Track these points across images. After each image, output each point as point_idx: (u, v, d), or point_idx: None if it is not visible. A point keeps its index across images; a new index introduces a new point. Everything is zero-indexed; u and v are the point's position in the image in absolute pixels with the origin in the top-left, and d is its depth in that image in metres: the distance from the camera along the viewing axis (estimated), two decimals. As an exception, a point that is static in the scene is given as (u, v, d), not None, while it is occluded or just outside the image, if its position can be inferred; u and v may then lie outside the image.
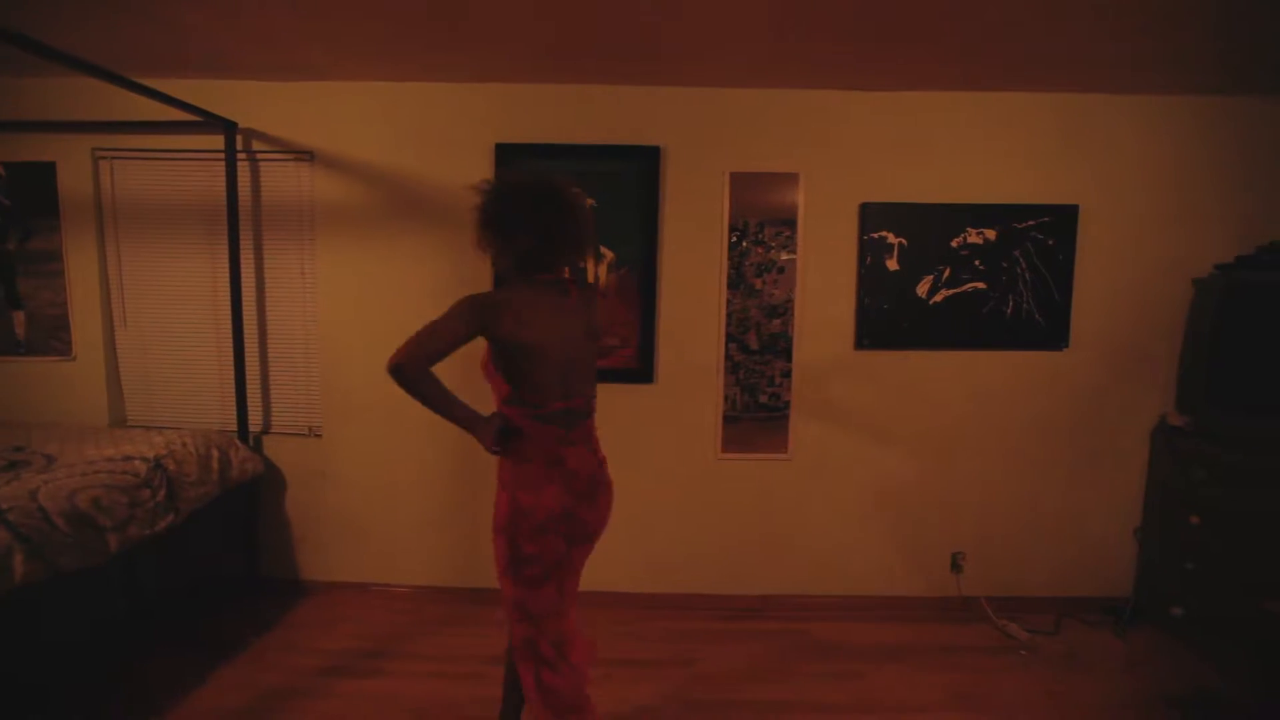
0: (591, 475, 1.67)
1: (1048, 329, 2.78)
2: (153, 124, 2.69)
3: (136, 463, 2.28)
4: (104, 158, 2.79)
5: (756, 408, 2.83)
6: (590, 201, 2.75)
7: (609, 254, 2.78)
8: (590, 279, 2.78)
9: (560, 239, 1.59)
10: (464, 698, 2.24)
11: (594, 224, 1.73)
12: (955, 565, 2.89)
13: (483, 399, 1.72)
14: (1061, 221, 2.74)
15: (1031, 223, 2.74)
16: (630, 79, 2.66)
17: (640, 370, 2.81)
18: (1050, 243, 2.75)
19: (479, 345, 1.62)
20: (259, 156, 2.79)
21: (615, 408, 2.83)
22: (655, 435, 2.85)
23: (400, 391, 1.56)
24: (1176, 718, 2.21)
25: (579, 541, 1.66)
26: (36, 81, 2.70)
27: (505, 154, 2.73)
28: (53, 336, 2.86)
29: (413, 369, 1.54)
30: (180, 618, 2.67)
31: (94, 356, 2.87)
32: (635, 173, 2.74)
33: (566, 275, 1.72)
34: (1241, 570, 2.35)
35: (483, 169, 2.75)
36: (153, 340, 2.90)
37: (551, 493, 1.60)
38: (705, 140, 2.74)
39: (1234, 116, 2.69)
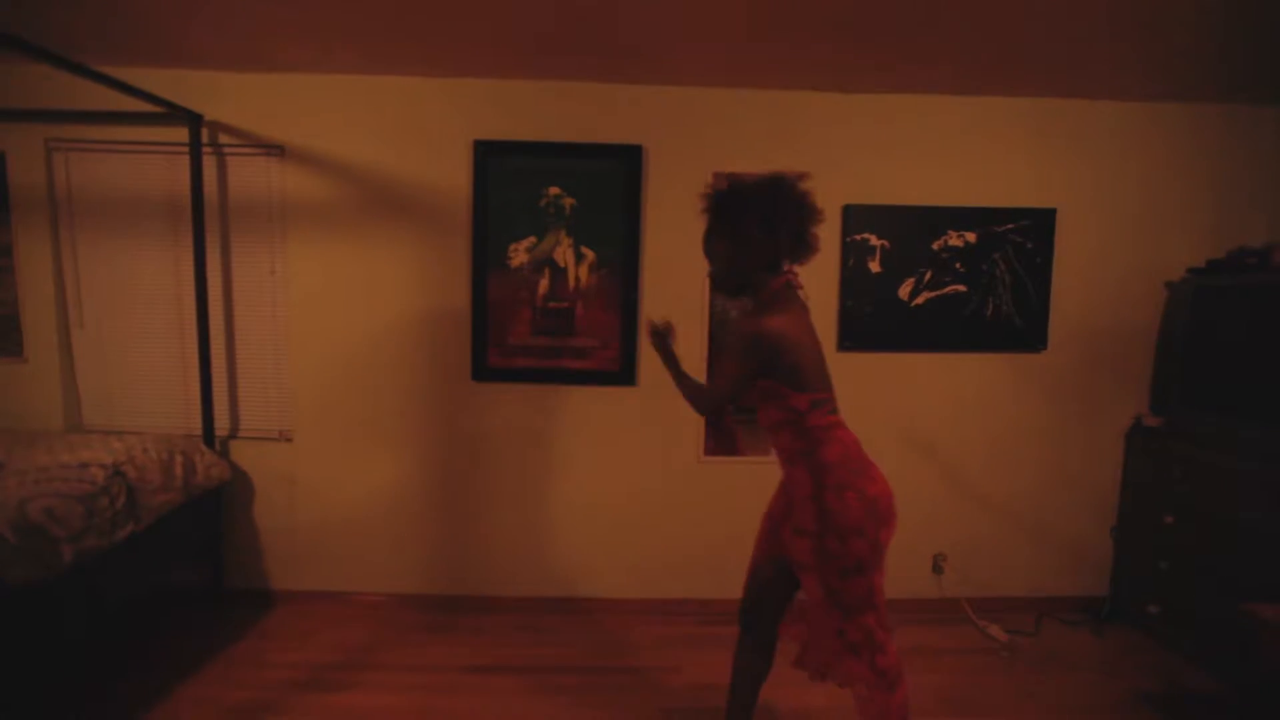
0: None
1: (1026, 331, 2.81)
2: (112, 114, 2.57)
3: (94, 469, 2.16)
4: (59, 149, 2.66)
5: (739, 410, 2.81)
6: (571, 201, 2.70)
7: (590, 254, 2.73)
8: (571, 283, 2.73)
9: (799, 235, 1.59)
10: (441, 710, 2.18)
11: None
12: (936, 567, 2.89)
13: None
14: (1039, 225, 2.77)
15: (1010, 226, 2.76)
16: (612, 77, 2.62)
17: (621, 373, 2.76)
18: (1029, 245, 2.77)
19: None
20: (226, 150, 2.68)
21: (596, 411, 2.79)
22: (637, 439, 2.81)
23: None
24: (1156, 716, 2.23)
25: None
26: (-14, 68, 2.56)
27: (484, 151, 2.67)
28: (2, 336, 2.71)
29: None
30: (143, 631, 2.56)
31: (48, 358, 2.73)
32: (617, 172, 2.70)
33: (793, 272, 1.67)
34: (1215, 569, 2.39)
35: (461, 166, 2.68)
36: (111, 341, 2.77)
37: (878, 475, 1.62)
38: (688, 139, 2.71)
39: (1208, 123, 2.75)
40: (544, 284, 2.73)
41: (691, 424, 2.80)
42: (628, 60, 2.45)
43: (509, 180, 2.68)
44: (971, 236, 2.76)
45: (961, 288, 2.78)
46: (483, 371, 2.76)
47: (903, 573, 2.90)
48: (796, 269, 1.66)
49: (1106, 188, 2.78)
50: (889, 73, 2.51)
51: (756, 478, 2.84)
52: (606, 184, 2.71)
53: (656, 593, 2.87)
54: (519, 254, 2.72)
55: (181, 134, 2.56)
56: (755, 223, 1.56)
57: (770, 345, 1.52)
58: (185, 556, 2.62)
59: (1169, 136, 2.76)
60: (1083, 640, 2.70)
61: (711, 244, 1.66)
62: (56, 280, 2.72)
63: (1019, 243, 2.77)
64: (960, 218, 2.76)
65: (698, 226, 2.73)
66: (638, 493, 2.83)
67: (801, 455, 1.60)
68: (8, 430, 2.58)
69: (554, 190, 2.70)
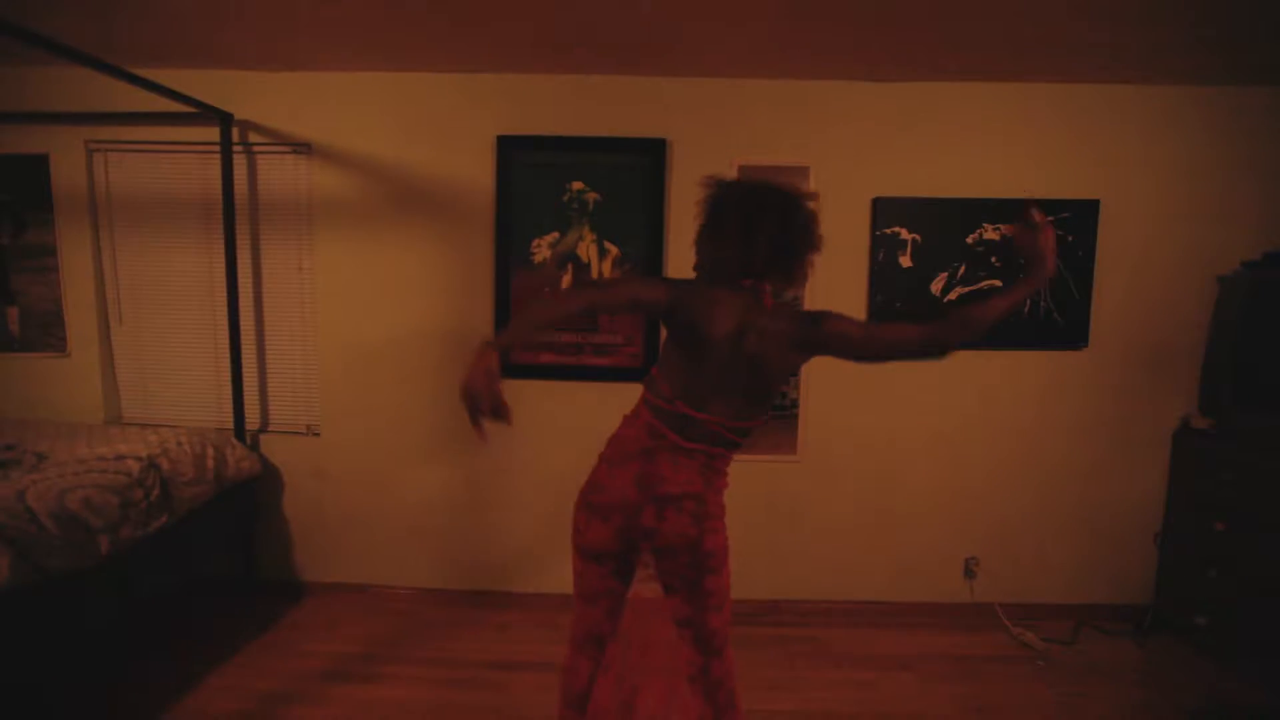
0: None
1: (1066, 328, 2.70)
2: (147, 115, 2.62)
3: (129, 462, 2.22)
4: (98, 150, 2.74)
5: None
6: (594, 196, 2.68)
7: (613, 249, 2.71)
8: (595, 274, 2.71)
9: (779, 253, 1.44)
10: (464, 704, 2.19)
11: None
12: (968, 571, 2.81)
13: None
14: (1081, 217, 2.65)
15: (1050, 218, 2.64)
16: (635, 69, 2.59)
17: (644, 369, 2.72)
18: (1070, 239, 2.65)
19: None
20: (255, 149, 2.73)
21: (619, 407, 2.76)
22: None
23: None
24: (1200, 732, 2.13)
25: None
26: (29, 71, 2.64)
27: (507, 146, 2.66)
28: (47, 332, 2.81)
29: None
30: (175, 620, 2.63)
31: (89, 353, 2.82)
32: (641, 166, 2.66)
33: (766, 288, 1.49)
34: (1270, 580, 2.26)
35: (484, 161, 2.68)
36: (148, 336, 2.85)
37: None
38: (713, 132, 2.66)
39: (1262, 107, 2.59)
40: (567, 280, 2.72)
41: (715, 422, 2.76)
42: (651, 52, 2.41)
43: (532, 175, 2.67)
44: (1008, 230, 2.66)
45: (997, 283, 2.68)
46: (506, 368, 2.74)
47: (933, 576, 2.83)
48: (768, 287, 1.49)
49: (1154, 177, 2.64)
50: (920, 60, 2.42)
51: (780, 476, 2.79)
52: (630, 178, 2.68)
53: (679, 592, 2.84)
54: (542, 249, 2.71)
55: (213, 133, 2.61)
56: (736, 226, 1.44)
57: (668, 283, 1.46)
58: (217, 548, 2.68)
59: (1220, 122, 2.61)
60: (1123, 651, 2.58)
61: (699, 237, 1.54)
62: (96, 278, 2.80)
63: (1060, 236, 2.65)
64: (996, 210, 2.65)
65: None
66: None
67: None
68: (50, 422, 2.67)
69: (577, 185, 2.68)
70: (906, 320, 1.48)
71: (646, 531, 1.46)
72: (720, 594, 1.52)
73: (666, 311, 1.44)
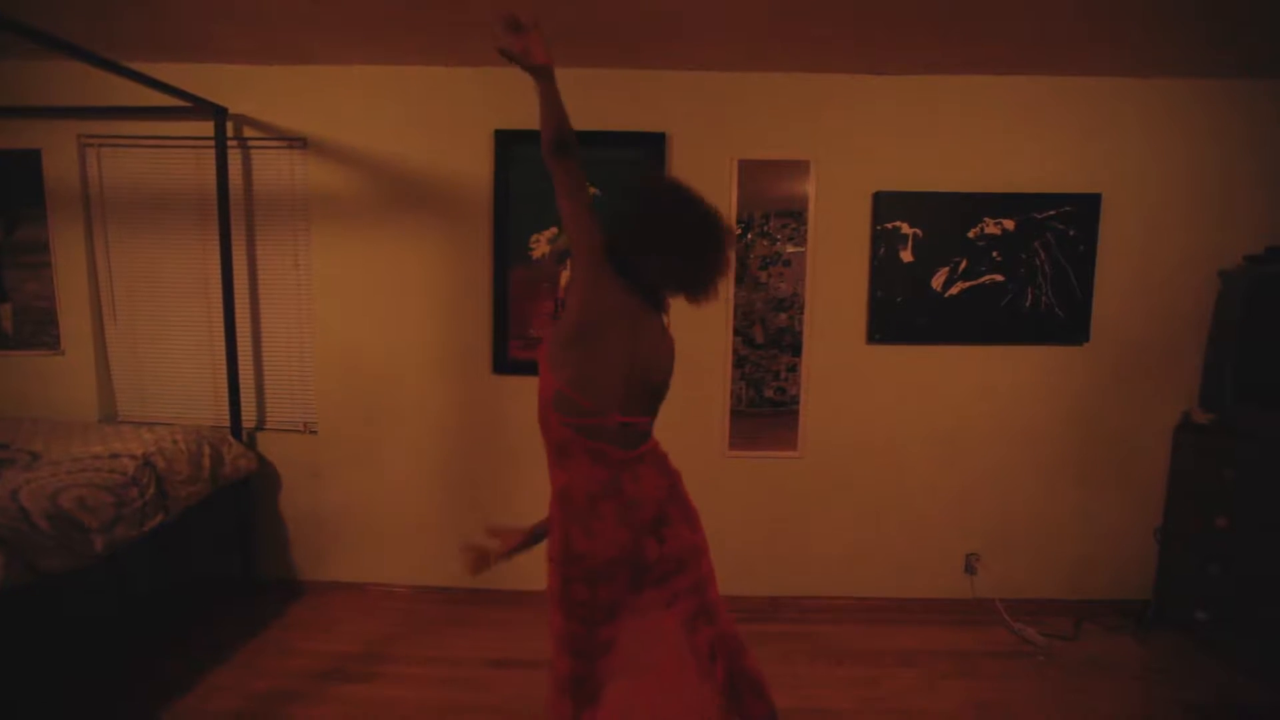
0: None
1: (1068, 323, 2.68)
2: (141, 109, 2.60)
3: (124, 460, 2.20)
4: (90, 145, 2.71)
5: (762, 402, 2.74)
6: (593, 190, 2.65)
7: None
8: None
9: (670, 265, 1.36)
10: (464, 703, 2.17)
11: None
12: (969, 567, 2.80)
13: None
14: (1083, 211, 2.63)
15: (1052, 212, 2.64)
16: (635, 63, 2.56)
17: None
18: (1071, 233, 2.64)
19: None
20: (250, 143, 2.70)
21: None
22: (659, 432, 2.76)
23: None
24: (1202, 727, 2.13)
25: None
26: (20, 65, 2.61)
27: (505, 140, 2.64)
28: (40, 330, 2.78)
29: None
30: (171, 619, 2.61)
31: (83, 350, 2.79)
32: (640, 160, 2.64)
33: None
34: (1272, 574, 2.26)
35: (482, 156, 2.66)
36: (143, 333, 2.82)
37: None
38: (712, 126, 2.64)
39: (1265, 100, 2.57)
40: (566, 275, 2.70)
41: (717, 417, 2.75)
42: (650, 45, 2.39)
43: (530, 170, 2.65)
44: (1010, 224, 2.64)
45: (999, 277, 2.67)
46: (504, 364, 2.74)
47: (934, 572, 2.82)
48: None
49: (1155, 171, 2.63)
50: (922, 53, 2.40)
51: (783, 473, 2.78)
52: (629, 173, 2.65)
53: (679, 589, 2.83)
54: (540, 245, 2.69)
55: (207, 128, 2.58)
56: (689, 242, 1.36)
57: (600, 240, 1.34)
58: (213, 546, 2.67)
59: (1222, 116, 2.59)
60: (1124, 646, 2.58)
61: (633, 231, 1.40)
62: (90, 274, 2.77)
63: (1061, 230, 2.64)
64: (998, 204, 2.64)
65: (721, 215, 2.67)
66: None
67: None
68: (44, 421, 2.65)
69: (575, 180, 2.65)
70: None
71: (649, 565, 1.34)
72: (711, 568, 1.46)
73: (585, 270, 1.31)
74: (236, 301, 2.68)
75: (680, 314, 2.86)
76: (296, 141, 2.68)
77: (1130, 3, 1.98)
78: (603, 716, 1.33)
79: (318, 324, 2.77)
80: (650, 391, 1.41)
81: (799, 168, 2.64)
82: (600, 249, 1.31)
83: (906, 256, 2.66)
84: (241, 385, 2.73)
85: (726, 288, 2.65)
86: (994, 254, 2.66)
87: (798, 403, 2.74)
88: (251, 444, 2.82)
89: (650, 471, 1.37)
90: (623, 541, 1.31)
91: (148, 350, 2.83)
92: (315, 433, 2.83)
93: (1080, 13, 2.06)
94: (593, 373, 1.31)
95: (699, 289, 1.39)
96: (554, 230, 2.68)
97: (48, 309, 2.77)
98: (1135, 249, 2.66)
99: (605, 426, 1.32)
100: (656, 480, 1.38)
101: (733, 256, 1.41)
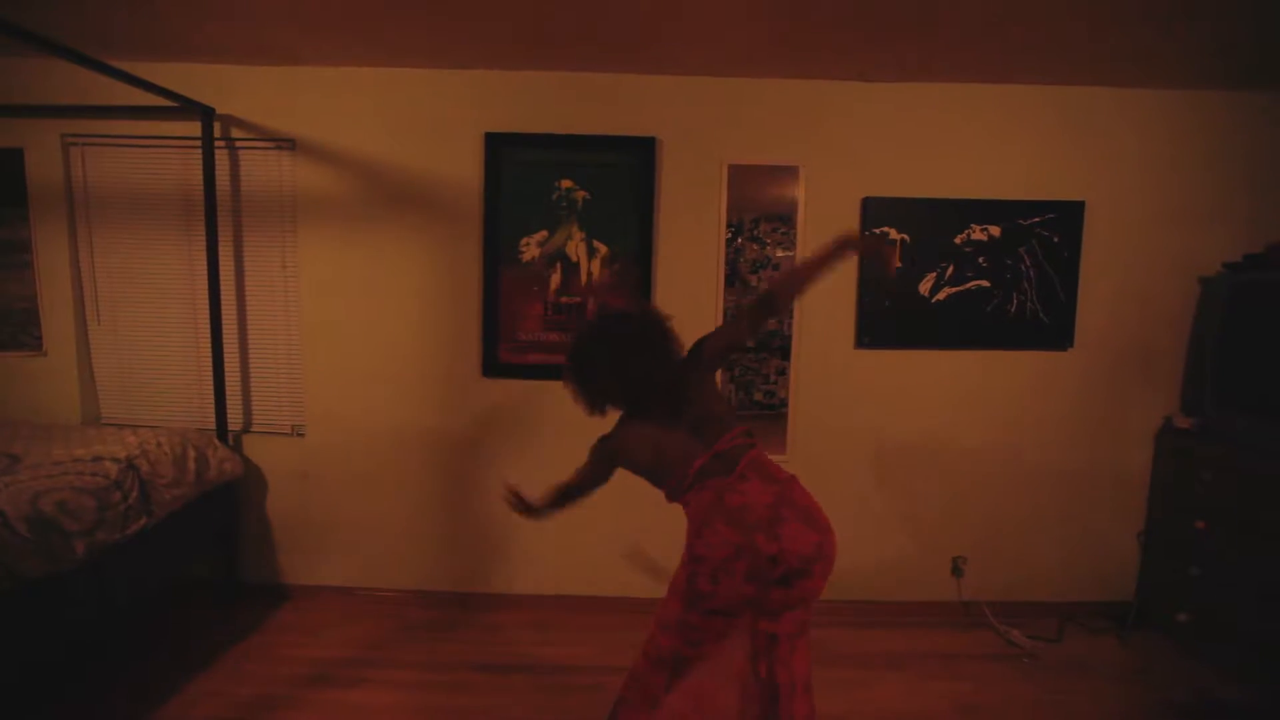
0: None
1: (1052, 328, 2.72)
2: (126, 109, 2.57)
3: (107, 463, 2.17)
4: (74, 144, 2.67)
5: (751, 405, 2.76)
6: (583, 194, 2.66)
7: (602, 248, 2.69)
8: (584, 277, 2.69)
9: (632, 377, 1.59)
10: (453, 708, 2.16)
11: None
12: (956, 569, 2.82)
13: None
14: (1067, 218, 2.67)
15: (1036, 219, 2.67)
16: (625, 67, 2.57)
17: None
18: (1055, 239, 2.68)
19: None
20: (238, 144, 2.68)
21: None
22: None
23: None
24: (1183, 728, 2.16)
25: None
26: (3, 62, 2.57)
27: (496, 143, 2.64)
28: (22, 331, 2.74)
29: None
30: (155, 624, 2.58)
31: (66, 352, 2.76)
32: (630, 164, 2.65)
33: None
34: (1251, 577, 2.29)
35: (472, 159, 2.65)
36: (128, 335, 2.79)
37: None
38: (703, 131, 2.65)
39: (1245, 111, 2.63)
40: (556, 278, 2.70)
41: (705, 422, 2.75)
42: (641, 50, 2.40)
43: (520, 173, 2.65)
44: (995, 230, 2.68)
45: (985, 283, 2.70)
46: (493, 367, 2.73)
47: (921, 575, 2.84)
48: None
49: (1137, 179, 2.67)
50: (911, 60, 2.43)
51: (771, 477, 2.79)
52: (619, 177, 2.66)
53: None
54: (530, 248, 2.69)
55: (194, 128, 2.56)
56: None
57: (609, 453, 1.67)
58: (198, 551, 2.63)
59: (1204, 125, 2.64)
60: (1107, 648, 2.61)
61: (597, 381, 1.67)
62: (73, 274, 2.74)
63: (1045, 236, 2.68)
64: (984, 211, 2.67)
65: (712, 219, 2.69)
66: (650, 490, 2.78)
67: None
68: (25, 423, 2.60)
69: (566, 183, 2.66)
70: (746, 307, 1.73)
71: (765, 560, 1.43)
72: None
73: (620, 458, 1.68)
74: (223, 303, 2.66)
75: (677, 317, 2.82)
76: (285, 143, 2.66)
77: (1115, 13, 2.02)
78: (680, 693, 1.55)
79: (305, 326, 2.75)
80: (707, 418, 1.59)
81: (788, 173, 2.66)
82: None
83: (895, 261, 2.69)
84: (228, 387, 2.70)
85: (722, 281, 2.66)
86: (980, 260, 2.69)
87: (786, 406, 2.76)
88: (238, 447, 2.80)
89: (754, 482, 1.50)
90: (735, 540, 1.44)
91: (132, 352, 2.80)
92: (303, 435, 2.81)
93: (1067, 23, 2.09)
94: (661, 454, 1.61)
95: (641, 387, 1.60)
96: (544, 234, 2.68)
97: (30, 310, 2.73)
98: (1118, 256, 2.70)
99: (695, 471, 1.55)
100: (761, 488, 1.49)
101: (660, 340, 1.64)
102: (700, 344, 1.66)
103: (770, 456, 1.60)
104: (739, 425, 1.61)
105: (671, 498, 1.63)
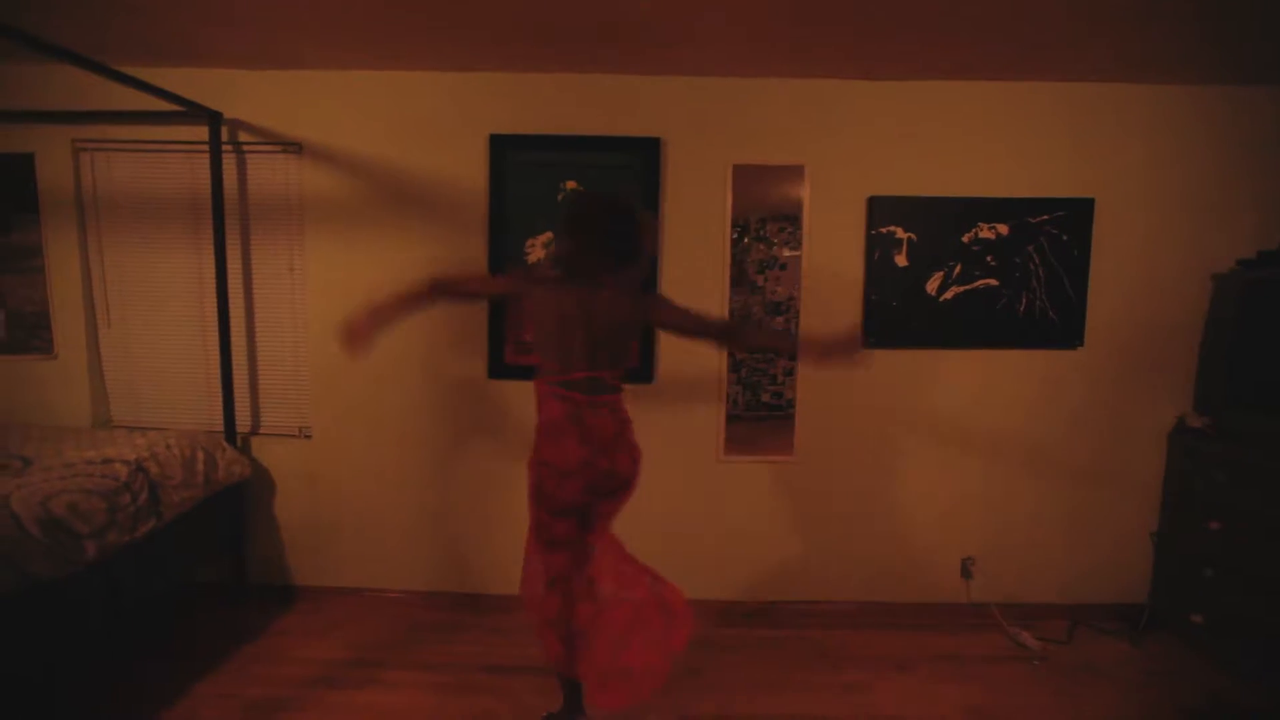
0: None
1: (1062, 327, 2.69)
2: (135, 114, 2.59)
3: (116, 465, 2.19)
4: (84, 149, 2.70)
5: (759, 406, 2.75)
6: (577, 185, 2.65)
7: (608, 249, 2.68)
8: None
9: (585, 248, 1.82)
10: (461, 709, 2.17)
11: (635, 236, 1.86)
12: (965, 571, 2.80)
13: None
14: (1076, 215, 2.65)
15: (1045, 217, 2.65)
16: (630, 68, 2.57)
17: (639, 370, 2.72)
18: (1064, 238, 2.65)
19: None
20: (245, 148, 2.69)
21: (614, 408, 2.75)
22: (655, 437, 2.73)
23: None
24: (1197, 731, 2.13)
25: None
26: (14, 69, 2.60)
27: (500, 145, 2.64)
28: (33, 335, 2.77)
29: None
30: (163, 626, 2.59)
31: (76, 355, 2.78)
32: (635, 165, 2.64)
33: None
34: (1266, 578, 2.26)
35: (477, 161, 2.66)
36: (137, 338, 2.81)
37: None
38: (707, 131, 2.64)
39: (1257, 107, 2.59)
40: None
41: (711, 422, 2.75)
42: (645, 51, 2.39)
43: (526, 175, 2.65)
44: (1004, 229, 2.65)
45: (993, 282, 2.68)
46: (499, 369, 2.74)
47: (930, 576, 2.82)
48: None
49: (1148, 176, 2.64)
50: (916, 58, 2.41)
51: (777, 477, 2.78)
52: (625, 178, 2.65)
53: (675, 593, 2.82)
54: (536, 250, 2.69)
55: (202, 133, 2.57)
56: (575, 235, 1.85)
57: (522, 280, 1.96)
58: (207, 552, 2.64)
59: (1215, 121, 2.61)
60: (1119, 650, 2.58)
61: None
62: (84, 279, 2.76)
63: (1054, 235, 2.65)
64: (992, 209, 2.65)
65: (717, 220, 2.68)
66: (656, 491, 2.76)
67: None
68: (36, 426, 2.63)
69: (571, 185, 2.66)
70: (717, 319, 2.07)
71: (605, 474, 1.83)
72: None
73: (516, 298, 2.03)
74: (231, 306, 2.67)
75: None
76: (292, 146, 2.68)
77: (1123, 8, 2.00)
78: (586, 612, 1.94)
79: (313, 329, 2.76)
80: (599, 344, 1.84)
81: (794, 173, 2.65)
82: (492, 282, 2.25)
83: (901, 261, 2.67)
84: (236, 390, 2.72)
85: (721, 286, 2.67)
86: (988, 258, 2.67)
87: (794, 407, 2.75)
88: (246, 449, 2.81)
89: (602, 415, 1.85)
90: (582, 456, 1.82)
91: (141, 355, 2.82)
92: (310, 437, 2.82)
93: (1074, 20, 2.07)
94: (553, 348, 1.85)
95: (576, 263, 1.83)
96: (549, 235, 2.68)
97: (41, 313, 2.76)
98: (1129, 253, 2.67)
99: (569, 379, 1.83)
100: (604, 422, 1.84)
101: (626, 235, 1.84)
102: (666, 301, 1.94)
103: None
104: (621, 384, 1.90)
105: (536, 377, 1.90)
